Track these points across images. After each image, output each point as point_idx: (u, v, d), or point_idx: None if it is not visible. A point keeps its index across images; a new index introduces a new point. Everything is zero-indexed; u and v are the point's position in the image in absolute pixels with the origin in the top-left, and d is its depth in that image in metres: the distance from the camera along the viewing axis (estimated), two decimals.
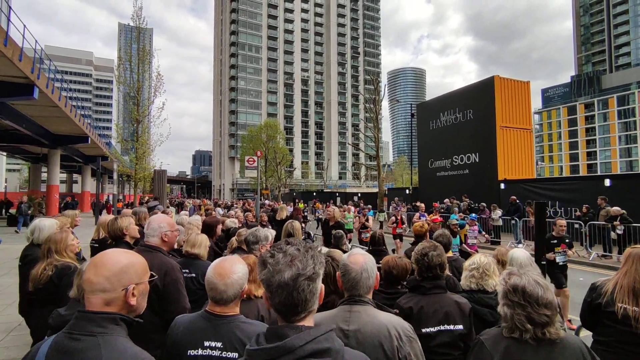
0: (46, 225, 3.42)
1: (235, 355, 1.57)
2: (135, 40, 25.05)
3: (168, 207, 14.31)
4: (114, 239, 3.33)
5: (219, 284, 1.64)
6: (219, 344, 1.59)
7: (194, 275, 3.17)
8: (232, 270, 1.69)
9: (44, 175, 30.96)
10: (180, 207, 23.96)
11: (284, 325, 1.06)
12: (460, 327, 2.17)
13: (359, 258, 1.69)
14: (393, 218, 12.11)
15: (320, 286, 1.12)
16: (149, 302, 2.33)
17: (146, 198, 30.21)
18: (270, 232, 3.34)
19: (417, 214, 12.08)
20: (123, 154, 41.22)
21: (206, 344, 1.60)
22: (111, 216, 4.86)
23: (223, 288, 1.64)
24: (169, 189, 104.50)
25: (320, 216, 20.38)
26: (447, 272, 3.14)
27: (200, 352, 1.60)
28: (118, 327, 1.17)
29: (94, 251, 4.63)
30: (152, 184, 21.24)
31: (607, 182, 13.31)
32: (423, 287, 2.29)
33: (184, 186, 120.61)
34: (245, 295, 2.12)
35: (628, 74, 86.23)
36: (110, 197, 29.07)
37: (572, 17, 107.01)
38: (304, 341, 0.98)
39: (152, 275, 1.35)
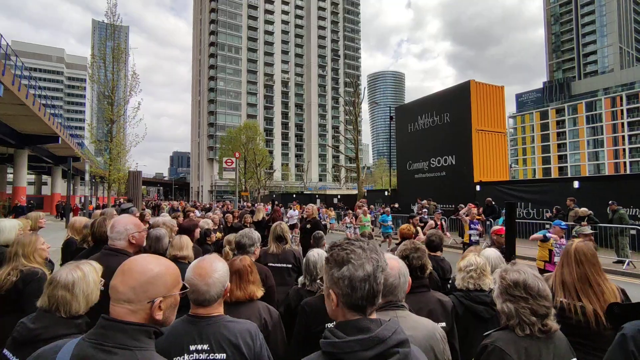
0: (7, 226, 3.24)
1: (224, 355, 1.53)
2: (110, 37, 24.38)
3: (144, 209, 13.90)
4: (97, 240, 3.14)
5: (201, 285, 1.58)
6: (205, 346, 1.53)
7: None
8: (213, 269, 1.63)
9: (10, 177, 29.61)
10: (156, 209, 23.39)
11: (363, 319, 1.08)
12: (443, 324, 2.19)
13: (394, 263, 1.68)
14: (432, 222, 9.60)
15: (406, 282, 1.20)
16: None
17: (121, 200, 29.34)
18: (257, 234, 3.29)
19: (464, 219, 9.42)
20: (97, 155, 39.94)
21: (192, 347, 1.53)
22: (84, 218, 4.67)
23: (205, 288, 1.58)
24: (144, 191, 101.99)
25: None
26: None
27: (186, 357, 1.53)
28: (150, 341, 1.10)
29: (63, 254, 4.42)
30: (127, 186, 20.66)
31: (576, 184, 13.87)
32: None
33: (161, 188, 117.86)
34: (247, 297, 2.08)
35: (595, 81, 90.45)
36: (82, 199, 28.10)
37: (543, 26, 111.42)
38: (390, 332, 1.03)
39: (184, 287, 1.26)
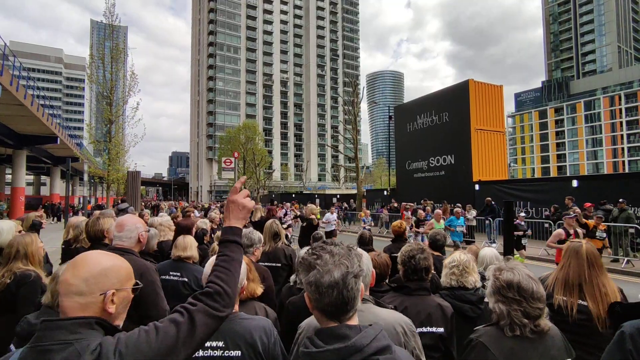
0: (4, 228, 3.22)
1: (238, 353, 1.53)
2: (108, 38, 24.36)
3: (142, 209, 13.87)
4: (93, 240, 3.11)
5: None
6: (220, 343, 1.54)
7: (186, 280, 3.03)
8: None
9: (9, 177, 29.55)
10: (156, 209, 23.38)
11: (340, 326, 1.05)
12: (442, 329, 2.17)
13: None
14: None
15: (362, 284, 1.12)
16: None
17: (119, 201, 29.32)
18: (257, 234, 3.27)
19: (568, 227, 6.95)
20: (95, 155, 39.92)
21: (207, 344, 1.54)
22: (81, 218, 4.65)
23: None
24: (144, 191, 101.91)
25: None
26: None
27: (201, 353, 1.53)
28: (94, 332, 1.04)
29: (63, 253, 4.40)
30: (126, 186, 20.66)
31: (575, 183, 13.90)
32: (408, 287, 2.29)
33: (160, 188, 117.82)
34: (244, 294, 2.07)
35: (594, 80, 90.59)
36: (81, 199, 28.06)
37: (542, 25, 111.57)
38: (369, 339, 1.00)
39: (136, 283, 1.23)
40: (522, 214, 11.62)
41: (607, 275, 2.24)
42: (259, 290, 2.17)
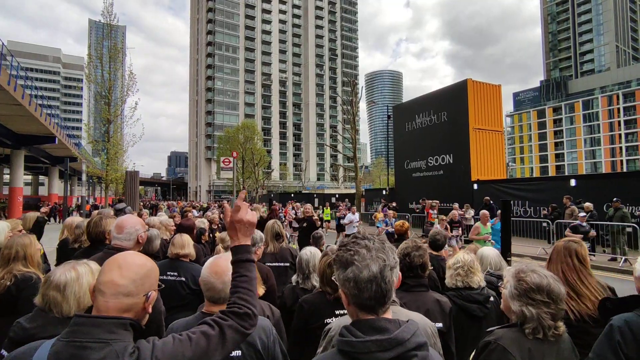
0: None
1: (238, 352, 1.56)
2: (107, 37, 24.32)
3: (141, 209, 13.86)
4: (94, 241, 3.07)
5: (216, 283, 1.63)
6: None
7: (183, 279, 3.04)
8: (229, 268, 1.67)
9: (7, 177, 29.47)
10: (154, 209, 23.36)
11: (378, 319, 1.06)
12: (440, 324, 2.19)
13: None
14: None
15: (396, 276, 1.13)
16: None
17: (117, 200, 29.29)
18: (262, 234, 3.28)
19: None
20: (94, 155, 39.85)
21: None
22: (78, 218, 4.64)
23: (221, 287, 1.63)
24: (142, 191, 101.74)
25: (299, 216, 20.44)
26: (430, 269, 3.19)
27: None
28: (128, 334, 1.07)
29: (59, 254, 4.39)
30: (124, 186, 20.63)
31: (573, 182, 13.93)
32: (407, 284, 2.31)
33: (159, 188, 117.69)
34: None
35: (592, 80, 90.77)
36: (79, 199, 28.02)
37: (540, 25, 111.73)
38: (409, 334, 1.01)
39: (159, 285, 1.28)
40: (582, 214, 10.19)
41: (591, 273, 2.25)
42: (261, 290, 2.17)
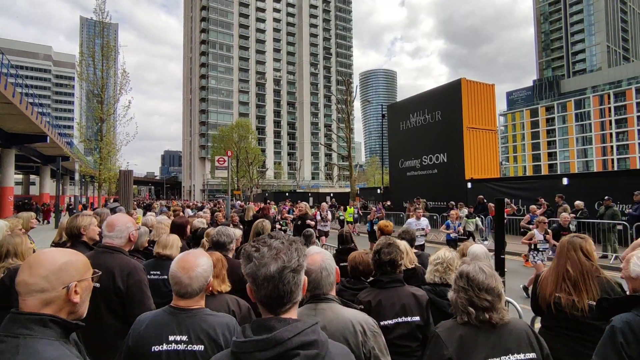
0: None
1: (201, 347, 1.58)
2: (99, 35, 24.05)
3: (135, 209, 13.76)
4: (71, 237, 3.10)
5: (183, 278, 1.65)
6: (184, 337, 1.59)
7: (165, 277, 3.05)
8: (196, 264, 1.70)
9: None
10: (148, 208, 23.20)
11: (270, 318, 1.07)
12: (417, 318, 2.22)
13: (316, 257, 1.68)
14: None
15: (303, 278, 1.14)
16: (111, 307, 2.25)
17: (111, 200, 29.06)
18: (237, 231, 3.30)
19: None
20: (86, 154, 39.41)
21: (171, 338, 1.59)
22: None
23: (187, 281, 1.65)
24: (136, 191, 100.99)
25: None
26: (412, 265, 3.21)
27: (165, 347, 1.58)
28: (47, 330, 1.09)
29: None
30: (118, 186, 20.46)
31: (565, 181, 14.09)
32: (381, 281, 2.35)
33: (152, 187, 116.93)
34: (209, 291, 2.11)
35: (584, 79, 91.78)
36: (72, 199, 27.73)
37: (533, 24, 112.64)
38: (292, 333, 1.01)
39: (94, 272, 1.29)
40: (565, 214, 8.84)
41: (599, 268, 2.28)
42: (224, 287, 2.23)
